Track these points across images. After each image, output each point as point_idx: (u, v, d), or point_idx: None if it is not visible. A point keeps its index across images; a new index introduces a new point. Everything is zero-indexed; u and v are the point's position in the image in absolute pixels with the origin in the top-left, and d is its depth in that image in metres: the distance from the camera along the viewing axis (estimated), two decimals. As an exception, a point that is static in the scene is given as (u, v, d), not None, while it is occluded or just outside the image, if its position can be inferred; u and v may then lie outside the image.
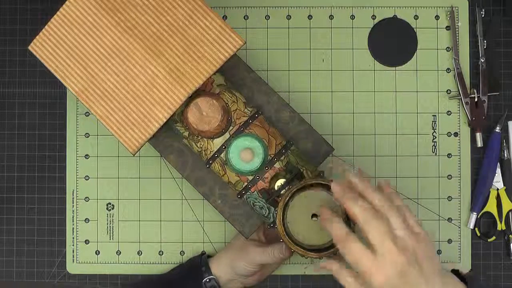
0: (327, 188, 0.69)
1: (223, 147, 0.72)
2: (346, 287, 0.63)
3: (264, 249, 0.77)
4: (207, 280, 0.79)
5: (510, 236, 0.86)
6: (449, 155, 0.87)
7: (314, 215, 0.69)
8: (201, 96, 0.70)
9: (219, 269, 0.80)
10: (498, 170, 0.86)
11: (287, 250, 0.76)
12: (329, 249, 0.68)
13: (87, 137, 0.88)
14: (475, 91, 0.86)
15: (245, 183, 0.73)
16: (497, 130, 0.86)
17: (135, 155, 0.86)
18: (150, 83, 0.68)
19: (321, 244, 0.69)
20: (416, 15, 0.88)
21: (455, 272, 0.69)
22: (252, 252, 0.78)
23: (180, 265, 0.86)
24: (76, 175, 0.88)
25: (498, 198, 0.86)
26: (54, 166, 0.88)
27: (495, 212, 0.86)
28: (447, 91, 0.88)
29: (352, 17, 0.88)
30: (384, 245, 0.60)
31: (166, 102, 0.68)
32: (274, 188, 0.71)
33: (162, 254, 0.88)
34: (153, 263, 0.88)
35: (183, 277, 0.81)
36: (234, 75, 0.77)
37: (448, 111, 0.87)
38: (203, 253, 0.85)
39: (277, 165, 0.72)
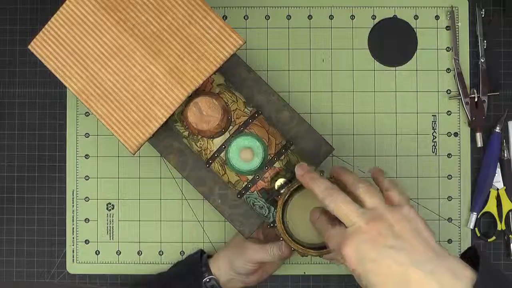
0: None
1: (223, 146, 0.72)
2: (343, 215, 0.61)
3: (262, 247, 0.77)
4: (207, 280, 0.79)
5: (510, 236, 0.86)
6: (449, 155, 0.87)
7: None
8: (201, 96, 0.70)
9: (219, 268, 0.80)
10: (498, 170, 0.86)
11: (287, 249, 0.76)
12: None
13: (87, 137, 0.88)
14: (475, 91, 0.86)
15: (245, 183, 0.73)
16: (497, 130, 0.86)
17: (135, 155, 0.87)
18: (150, 82, 0.68)
19: (321, 241, 0.69)
20: (416, 15, 0.88)
21: (472, 251, 0.64)
22: (250, 250, 0.78)
23: (178, 262, 0.86)
24: (76, 175, 0.88)
25: (498, 198, 0.86)
26: (54, 166, 0.88)
27: (495, 212, 0.86)
28: (447, 91, 0.88)
29: (352, 17, 0.88)
30: (347, 220, 0.59)
31: (166, 101, 0.68)
32: (274, 188, 0.71)
33: (162, 254, 0.88)
34: (153, 263, 0.88)
35: (183, 276, 0.81)
36: (234, 74, 0.77)
37: (448, 111, 0.87)
38: (202, 253, 0.85)
39: (277, 165, 0.72)
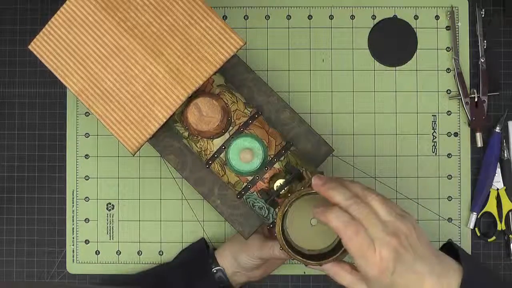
0: None
1: (223, 147, 0.72)
2: (345, 284, 0.63)
3: (263, 244, 0.77)
4: (214, 271, 0.79)
5: (510, 236, 0.86)
6: (449, 155, 0.87)
7: (313, 219, 0.69)
8: (201, 96, 0.70)
9: (225, 261, 0.80)
10: (498, 170, 0.86)
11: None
12: (328, 256, 0.68)
13: (87, 137, 0.88)
14: (475, 91, 0.86)
15: (245, 184, 0.73)
16: (497, 130, 0.86)
17: (135, 155, 0.86)
18: (150, 83, 0.68)
19: (322, 248, 0.69)
20: (416, 15, 0.88)
21: (448, 245, 0.69)
22: (253, 246, 0.78)
23: (183, 251, 0.86)
24: (76, 175, 0.88)
25: (498, 198, 0.86)
26: (54, 166, 0.88)
27: (495, 212, 0.86)
28: (447, 91, 0.88)
29: (352, 17, 0.88)
30: (374, 231, 0.60)
31: (166, 102, 0.68)
32: (274, 189, 0.71)
33: (162, 254, 0.88)
34: (153, 263, 0.88)
35: (190, 264, 0.81)
36: (234, 75, 0.77)
37: (448, 111, 0.87)
38: (207, 246, 0.85)
39: (277, 166, 0.72)
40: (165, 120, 0.68)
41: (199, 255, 0.83)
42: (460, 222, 0.87)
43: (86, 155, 0.88)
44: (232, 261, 0.79)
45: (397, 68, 0.88)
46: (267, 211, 0.73)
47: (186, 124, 0.71)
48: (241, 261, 0.79)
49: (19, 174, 0.88)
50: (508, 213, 0.86)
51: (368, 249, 0.59)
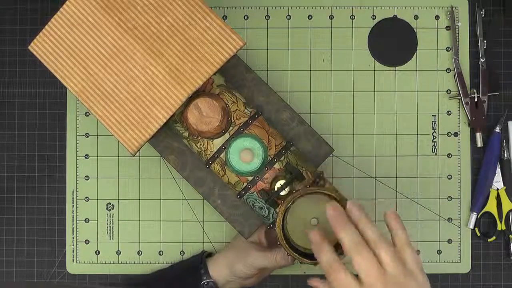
0: (328, 194, 0.69)
1: (223, 147, 0.72)
2: None
3: (265, 254, 0.77)
4: (205, 283, 0.79)
5: (510, 236, 0.86)
6: (449, 155, 0.87)
7: (313, 219, 0.69)
8: (201, 97, 0.70)
9: (218, 270, 0.80)
10: (498, 170, 0.86)
11: (291, 257, 0.76)
12: None
13: (87, 137, 0.88)
14: (475, 91, 0.86)
15: (245, 184, 0.73)
16: (497, 130, 0.86)
17: (135, 155, 0.86)
18: (150, 83, 0.68)
19: None
20: (416, 15, 0.88)
21: None
22: (252, 256, 0.77)
23: (181, 262, 0.86)
24: (76, 175, 0.88)
25: (498, 198, 0.86)
26: (54, 166, 0.88)
27: (495, 212, 0.86)
28: (447, 91, 0.88)
29: (352, 17, 0.88)
30: (370, 277, 0.59)
31: (166, 102, 0.68)
32: (274, 189, 0.71)
33: (162, 254, 0.88)
34: (153, 263, 0.88)
35: (182, 277, 0.81)
36: (234, 75, 0.77)
37: (448, 111, 0.87)
38: (203, 252, 0.85)
39: (277, 166, 0.72)
40: (165, 121, 0.68)
41: (193, 266, 0.82)
42: (460, 222, 0.87)
43: (86, 155, 0.88)
44: (226, 270, 0.79)
45: (397, 68, 0.88)
46: (267, 211, 0.73)
47: (186, 124, 0.72)
48: (236, 270, 0.78)
49: (19, 174, 0.88)
50: (508, 213, 0.86)
51: None
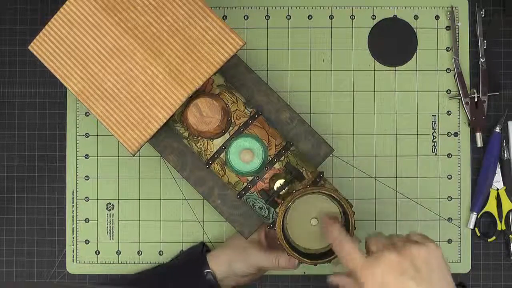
0: (328, 194, 0.69)
1: (223, 147, 0.72)
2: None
3: (267, 255, 0.77)
4: (205, 273, 0.79)
5: (510, 236, 0.86)
6: (449, 155, 0.87)
7: (313, 219, 0.69)
8: (201, 97, 0.70)
9: (217, 265, 0.79)
10: (498, 170, 0.86)
11: (294, 261, 0.76)
12: (325, 257, 0.68)
13: (87, 137, 0.88)
14: (475, 91, 0.86)
15: (245, 184, 0.73)
16: (497, 130, 0.86)
17: (135, 155, 0.86)
18: (150, 83, 0.68)
19: (319, 248, 0.69)
20: (416, 15, 0.88)
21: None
22: (254, 256, 0.78)
23: (179, 255, 0.86)
24: (76, 175, 0.88)
25: (498, 198, 0.86)
26: (54, 166, 0.88)
27: (495, 212, 0.86)
28: (447, 91, 0.88)
29: (352, 17, 0.88)
30: (382, 249, 0.60)
31: (166, 102, 0.68)
32: (274, 189, 0.71)
33: (162, 254, 0.88)
34: (153, 263, 0.88)
35: (183, 268, 0.82)
36: (234, 75, 0.77)
37: (448, 111, 0.87)
38: (203, 245, 0.85)
39: (277, 166, 0.72)
40: (165, 121, 0.68)
41: (194, 255, 0.83)
42: (460, 222, 0.87)
43: (86, 155, 0.88)
44: (225, 266, 0.79)
45: (397, 68, 0.88)
46: (267, 211, 0.73)
47: (186, 124, 0.71)
48: (236, 268, 0.78)
49: (19, 174, 0.88)
50: (508, 213, 0.86)
51: (364, 265, 0.60)
